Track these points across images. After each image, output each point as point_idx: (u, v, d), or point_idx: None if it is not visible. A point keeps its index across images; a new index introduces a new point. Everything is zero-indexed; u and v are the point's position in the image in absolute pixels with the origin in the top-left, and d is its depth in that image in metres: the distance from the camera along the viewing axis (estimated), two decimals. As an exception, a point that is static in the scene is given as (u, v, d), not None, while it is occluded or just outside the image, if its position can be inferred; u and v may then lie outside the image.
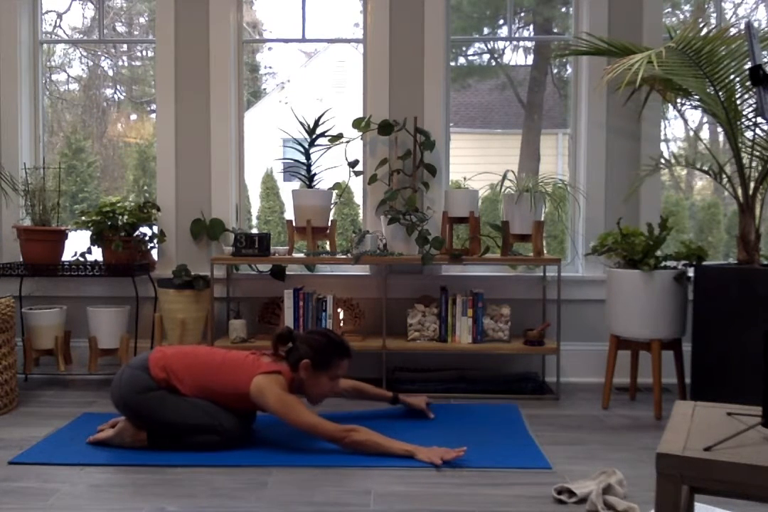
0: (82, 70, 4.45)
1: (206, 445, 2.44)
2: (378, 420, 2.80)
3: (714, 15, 3.68)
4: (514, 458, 2.39)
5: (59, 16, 4.24)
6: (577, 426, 2.84)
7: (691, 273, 2.98)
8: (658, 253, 3.03)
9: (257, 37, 4.57)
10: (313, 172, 3.57)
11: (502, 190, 3.40)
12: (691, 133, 4.17)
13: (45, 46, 3.94)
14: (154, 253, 3.71)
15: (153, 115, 4.18)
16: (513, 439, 2.61)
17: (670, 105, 3.51)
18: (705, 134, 4.43)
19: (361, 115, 3.66)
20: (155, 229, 3.62)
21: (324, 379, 2.56)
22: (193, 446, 2.44)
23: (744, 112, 2.98)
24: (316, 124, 3.55)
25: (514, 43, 4.44)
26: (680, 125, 4.14)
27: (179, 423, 2.44)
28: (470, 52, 4.58)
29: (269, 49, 5.55)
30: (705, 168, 3.15)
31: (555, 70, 4.54)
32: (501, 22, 4.25)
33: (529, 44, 4.52)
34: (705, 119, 4.27)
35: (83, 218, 3.46)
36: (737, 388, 2.68)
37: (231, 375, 2.48)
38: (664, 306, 2.93)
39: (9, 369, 2.98)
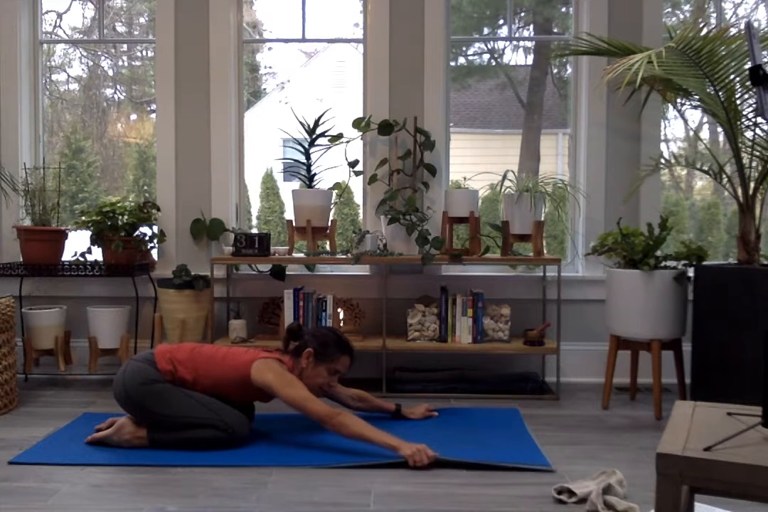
0: (82, 70, 4.45)
1: (206, 441, 2.44)
2: (379, 420, 2.79)
3: (714, 15, 3.68)
4: (514, 458, 2.39)
5: (59, 16, 4.23)
6: (577, 426, 2.84)
7: (691, 273, 2.98)
8: (658, 252, 3.03)
9: (257, 37, 4.57)
10: (313, 172, 3.57)
11: (502, 190, 3.40)
12: (691, 133, 4.17)
13: (45, 46, 3.94)
14: (154, 253, 3.71)
15: (153, 115, 4.18)
16: (513, 439, 2.60)
17: (670, 105, 3.51)
18: (705, 134, 4.42)
19: (361, 115, 3.66)
20: (155, 229, 3.62)
21: (323, 371, 2.61)
22: (193, 441, 2.44)
23: (744, 112, 2.98)
24: (316, 124, 3.55)
25: (514, 43, 4.43)
26: (680, 125, 4.14)
27: (180, 415, 2.45)
28: (470, 52, 4.58)
29: (269, 49, 5.54)
30: (705, 168, 3.15)
31: (555, 70, 4.54)
32: (501, 22, 4.25)
33: (529, 44, 4.52)
34: (705, 119, 4.26)
35: (83, 218, 3.46)
36: (737, 388, 2.67)
37: (232, 362, 2.54)
38: (664, 306, 2.93)
39: (9, 369, 2.98)
